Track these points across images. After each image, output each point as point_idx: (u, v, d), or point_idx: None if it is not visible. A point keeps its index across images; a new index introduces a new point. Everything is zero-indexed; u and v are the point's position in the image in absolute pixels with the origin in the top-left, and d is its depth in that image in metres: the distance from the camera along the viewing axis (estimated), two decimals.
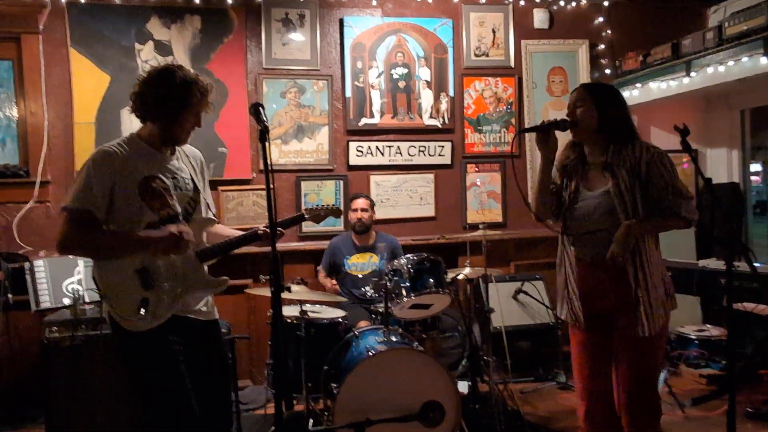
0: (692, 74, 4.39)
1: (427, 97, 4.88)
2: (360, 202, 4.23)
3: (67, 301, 3.56)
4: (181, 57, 4.41)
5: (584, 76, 5.09)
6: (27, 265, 3.69)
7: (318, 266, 4.35)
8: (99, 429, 3.33)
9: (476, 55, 4.98)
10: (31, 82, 4.22)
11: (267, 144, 1.98)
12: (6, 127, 4.25)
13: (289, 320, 3.39)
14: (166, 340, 2.16)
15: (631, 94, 4.97)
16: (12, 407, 3.90)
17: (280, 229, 2.42)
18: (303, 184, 4.67)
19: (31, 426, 3.79)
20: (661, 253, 2.43)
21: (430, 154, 4.91)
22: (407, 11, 4.85)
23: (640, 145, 2.36)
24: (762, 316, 3.89)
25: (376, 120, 4.79)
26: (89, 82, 4.28)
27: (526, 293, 4.58)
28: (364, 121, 4.77)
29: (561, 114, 2.55)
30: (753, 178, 5.61)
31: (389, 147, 4.83)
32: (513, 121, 5.04)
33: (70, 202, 2.09)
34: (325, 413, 3.20)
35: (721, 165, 5.21)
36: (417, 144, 4.87)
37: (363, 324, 3.58)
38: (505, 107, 5.04)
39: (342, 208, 4.55)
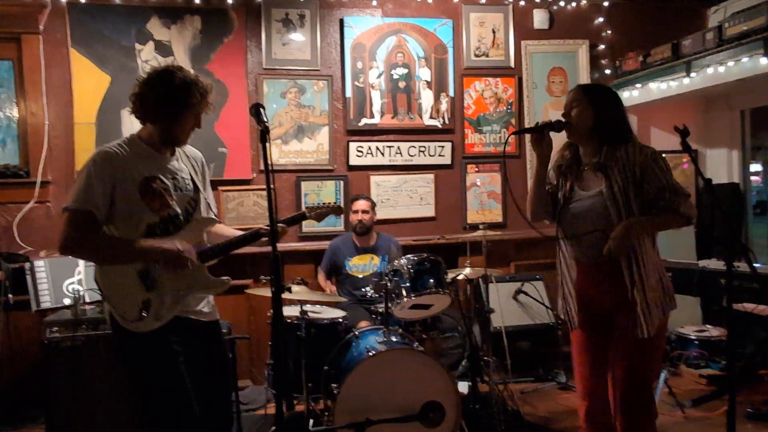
0: (692, 75, 4.39)
1: (427, 98, 4.88)
2: (361, 204, 4.23)
3: (67, 301, 3.56)
4: (181, 57, 4.42)
5: (584, 77, 5.09)
6: (27, 265, 3.69)
7: (318, 266, 4.36)
8: (99, 429, 3.33)
9: (476, 56, 4.98)
10: (31, 83, 4.22)
11: (267, 144, 1.98)
12: (6, 127, 4.25)
13: (289, 320, 3.39)
14: (167, 341, 2.17)
15: (631, 95, 4.97)
16: (12, 407, 3.90)
17: (282, 225, 2.42)
18: (303, 184, 4.68)
19: (31, 426, 3.80)
20: (660, 254, 2.43)
21: (430, 155, 4.91)
22: (407, 11, 4.85)
23: (633, 146, 2.34)
24: (762, 317, 3.89)
25: (376, 120, 4.80)
26: (89, 82, 4.28)
27: (526, 293, 4.59)
28: (364, 121, 4.78)
29: (561, 114, 2.55)
30: (753, 178, 5.61)
31: (389, 147, 4.83)
32: (513, 121, 5.04)
33: (71, 202, 2.10)
34: (326, 413, 3.20)
35: (721, 165, 5.21)
36: (417, 144, 4.87)
37: (363, 324, 3.59)
38: (505, 107, 5.04)
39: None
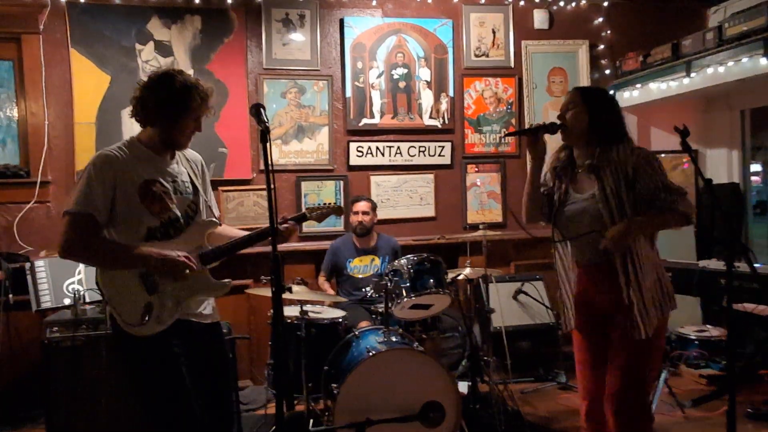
0: (692, 75, 4.39)
1: (427, 98, 4.88)
2: (361, 205, 4.22)
3: (67, 302, 3.56)
4: (181, 57, 4.42)
5: (584, 77, 5.09)
6: (27, 265, 3.69)
7: (320, 269, 4.35)
8: (99, 429, 3.33)
9: (476, 56, 4.98)
10: (31, 83, 4.22)
11: (267, 144, 1.98)
12: (6, 127, 4.25)
13: (289, 320, 3.39)
14: (168, 344, 2.16)
15: (631, 95, 4.97)
16: (12, 407, 3.90)
17: (292, 222, 2.42)
18: (303, 184, 4.68)
19: (31, 426, 3.80)
20: (660, 254, 2.43)
21: (430, 155, 4.91)
22: (407, 11, 4.85)
23: (625, 147, 2.33)
24: (762, 317, 3.89)
25: (376, 120, 4.80)
26: (90, 82, 4.28)
27: (526, 293, 4.58)
28: (364, 121, 4.78)
29: (557, 116, 2.56)
30: (753, 178, 5.61)
31: (389, 147, 4.83)
32: (513, 121, 5.05)
33: (71, 206, 2.09)
34: (326, 413, 3.20)
35: (721, 165, 5.21)
36: (417, 144, 4.87)
37: (363, 324, 3.59)
38: (505, 107, 5.04)
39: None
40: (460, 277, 3.70)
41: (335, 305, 3.75)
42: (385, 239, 4.32)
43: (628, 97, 5.00)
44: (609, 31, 5.14)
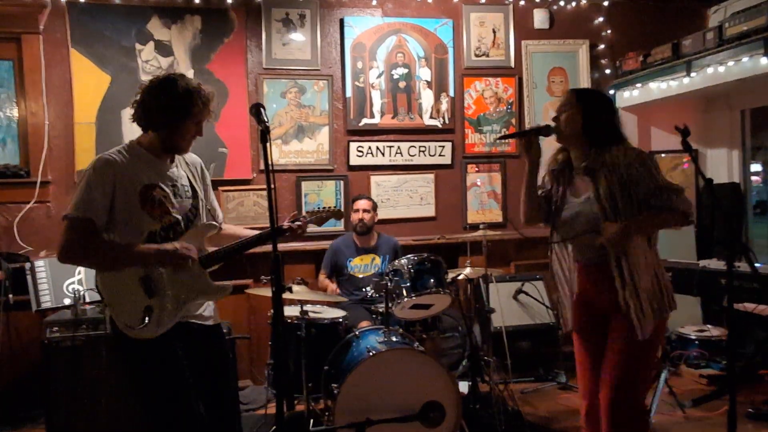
0: (692, 74, 4.39)
1: (427, 98, 4.88)
2: (362, 203, 4.23)
3: (67, 301, 3.56)
4: (181, 57, 4.42)
5: (584, 77, 5.09)
6: (28, 265, 3.69)
7: (320, 268, 4.35)
8: (99, 429, 3.34)
9: (476, 56, 4.98)
10: (31, 82, 4.22)
11: (268, 144, 1.98)
12: (6, 127, 4.25)
13: (289, 320, 3.39)
14: (170, 345, 2.16)
15: (631, 95, 4.97)
16: (12, 407, 3.90)
17: (304, 218, 2.46)
18: (303, 184, 4.68)
19: (31, 426, 3.80)
20: (661, 254, 2.42)
21: (430, 155, 4.91)
22: (407, 11, 4.85)
23: (618, 148, 2.33)
24: (762, 317, 3.89)
25: (376, 120, 4.80)
26: (90, 82, 4.28)
27: (526, 293, 4.58)
28: (364, 121, 4.77)
29: (551, 118, 2.56)
30: (753, 178, 5.61)
31: (390, 147, 4.83)
32: (513, 121, 5.04)
33: (71, 210, 2.09)
34: (326, 413, 3.20)
35: (721, 165, 5.21)
36: (417, 144, 4.87)
37: (364, 324, 3.59)
38: (505, 107, 5.04)
39: (342, 208, 4.57)
40: (460, 277, 3.70)
41: (335, 305, 3.75)
42: (385, 238, 4.32)
43: (628, 96, 5.00)
44: (609, 31, 5.14)
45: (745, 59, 3.98)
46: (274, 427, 3.00)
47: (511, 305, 4.57)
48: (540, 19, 5.08)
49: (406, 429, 2.80)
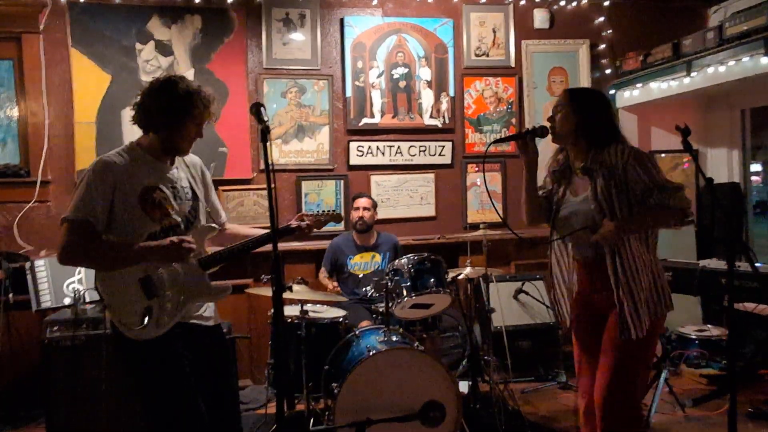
0: (693, 74, 4.39)
1: (427, 97, 4.88)
2: (362, 201, 4.25)
3: (67, 301, 3.56)
4: (181, 57, 4.42)
5: (585, 76, 5.09)
6: (28, 264, 3.69)
7: (321, 266, 4.36)
8: (99, 429, 3.33)
9: (477, 55, 4.98)
10: (31, 82, 4.22)
11: (268, 144, 1.98)
12: (6, 126, 4.25)
13: (289, 320, 3.39)
14: (171, 345, 2.16)
15: (632, 94, 4.97)
16: (12, 407, 3.90)
17: (314, 214, 2.52)
18: (303, 183, 4.67)
19: (31, 426, 3.80)
20: (660, 253, 2.42)
21: (430, 154, 4.91)
22: (407, 11, 4.85)
23: (616, 147, 2.33)
24: (762, 316, 3.89)
25: (376, 120, 4.79)
26: (90, 81, 4.28)
27: (526, 293, 4.58)
28: (364, 120, 4.77)
29: (547, 119, 2.57)
30: (753, 177, 5.62)
31: (390, 147, 4.83)
32: (513, 121, 5.04)
33: (70, 212, 2.09)
34: (326, 413, 3.20)
35: (721, 165, 5.21)
36: (417, 144, 4.87)
37: (364, 324, 3.59)
38: (505, 107, 5.04)
39: (342, 208, 4.58)
40: (460, 277, 3.71)
41: (336, 305, 3.75)
42: (385, 236, 4.33)
43: (628, 96, 5.00)
44: (609, 31, 5.13)
45: (745, 59, 3.98)
46: (275, 427, 3.00)
47: (512, 305, 4.57)
48: (540, 18, 5.07)
49: (406, 428, 2.79)
